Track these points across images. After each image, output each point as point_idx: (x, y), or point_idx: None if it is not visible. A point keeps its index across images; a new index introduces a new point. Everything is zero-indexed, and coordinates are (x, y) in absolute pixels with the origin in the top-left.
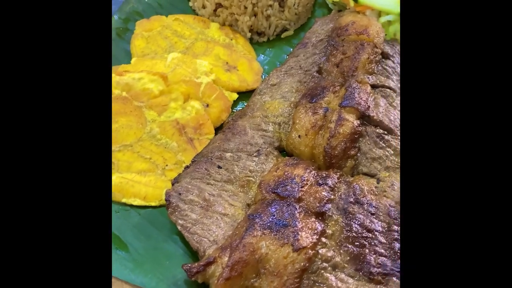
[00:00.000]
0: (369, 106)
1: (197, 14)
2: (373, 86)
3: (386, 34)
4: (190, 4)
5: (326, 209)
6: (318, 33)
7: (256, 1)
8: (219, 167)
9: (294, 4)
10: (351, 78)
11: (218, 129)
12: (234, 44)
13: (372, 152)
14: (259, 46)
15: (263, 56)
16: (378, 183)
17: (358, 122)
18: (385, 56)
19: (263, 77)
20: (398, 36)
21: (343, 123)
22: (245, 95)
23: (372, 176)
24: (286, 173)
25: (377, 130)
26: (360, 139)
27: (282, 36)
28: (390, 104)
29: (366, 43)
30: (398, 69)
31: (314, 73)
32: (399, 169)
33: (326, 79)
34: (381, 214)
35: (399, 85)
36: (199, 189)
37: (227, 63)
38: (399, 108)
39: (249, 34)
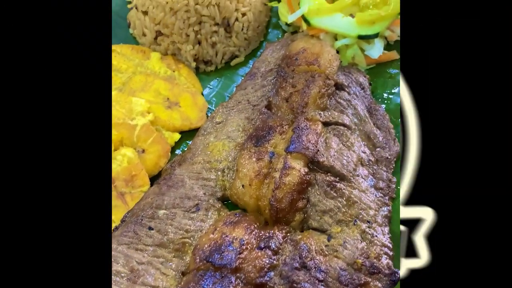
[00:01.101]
0: (318, 150)
1: (138, 43)
2: (325, 124)
3: (341, 61)
4: (131, 31)
5: (267, 279)
6: (267, 61)
7: (198, 28)
8: (151, 228)
9: (242, 29)
10: (301, 115)
11: (156, 177)
12: (176, 77)
13: (322, 203)
14: (207, 76)
15: (209, 88)
16: (329, 240)
17: (306, 170)
18: (339, 87)
19: (210, 112)
20: (357, 60)
21: (289, 172)
22: (188, 134)
23: (322, 231)
24: (223, 236)
25: (328, 178)
26: (309, 188)
27: (232, 63)
28: (344, 143)
29: (317, 74)
30: (355, 101)
31: (263, 109)
32: (352, 222)
33: (275, 116)
34: (330, 280)
35: (355, 119)
36: (126, 257)
37: (168, 99)
38: (354, 148)
39: (193, 64)
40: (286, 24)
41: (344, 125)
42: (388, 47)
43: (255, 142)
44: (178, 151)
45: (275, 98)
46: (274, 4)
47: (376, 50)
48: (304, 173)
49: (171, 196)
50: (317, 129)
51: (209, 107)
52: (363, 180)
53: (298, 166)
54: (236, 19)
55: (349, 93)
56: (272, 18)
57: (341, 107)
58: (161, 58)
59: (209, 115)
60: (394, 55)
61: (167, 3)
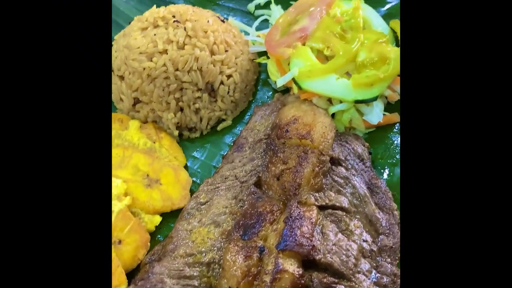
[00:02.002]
0: (314, 245)
1: (116, 109)
2: (321, 208)
3: (337, 130)
4: None
5: None
6: (256, 129)
7: (180, 95)
8: None
9: (228, 92)
10: (294, 198)
11: (134, 272)
12: (157, 149)
13: None
14: (191, 143)
15: (192, 160)
16: None
17: (301, 271)
18: (335, 161)
19: (195, 187)
20: (354, 124)
21: (281, 276)
22: (171, 214)
23: None
24: None
25: (325, 279)
26: None
27: (219, 128)
28: (343, 232)
29: (310, 150)
30: (353, 178)
31: (252, 187)
32: None
33: (265, 196)
34: None
35: (354, 200)
36: None
37: (147, 175)
38: (354, 237)
39: (176, 132)
40: (276, 82)
41: (342, 208)
42: (388, 107)
43: (243, 233)
44: (159, 237)
45: (265, 174)
46: (262, 60)
47: (375, 116)
48: (298, 275)
49: None
50: (312, 217)
51: (194, 180)
52: (364, 277)
53: (292, 268)
54: (221, 83)
55: (346, 168)
56: (262, 73)
57: (338, 186)
58: (140, 127)
59: (194, 191)
60: (396, 117)
61: (144, 69)
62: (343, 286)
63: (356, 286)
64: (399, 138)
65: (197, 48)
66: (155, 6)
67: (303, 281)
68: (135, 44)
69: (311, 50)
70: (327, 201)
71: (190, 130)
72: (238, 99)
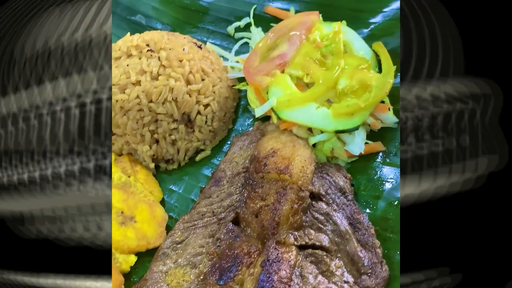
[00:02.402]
0: None
1: None
2: (301, 247)
3: (317, 161)
4: None
5: None
6: (235, 162)
7: (155, 127)
8: None
9: (206, 122)
10: (272, 237)
11: None
12: (132, 183)
13: None
14: (168, 175)
15: (169, 194)
16: None
17: None
18: (315, 196)
19: (172, 222)
20: (336, 153)
21: None
22: (146, 253)
23: None
24: None
25: None
26: None
27: (197, 159)
28: (323, 273)
29: (289, 186)
30: (334, 214)
31: (230, 225)
32: None
33: (243, 236)
34: None
35: (336, 238)
36: None
37: (122, 212)
38: (335, 278)
39: (152, 165)
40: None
41: (322, 248)
42: (372, 135)
43: (219, 277)
44: (135, 278)
45: (243, 211)
46: (242, 86)
47: (356, 146)
48: None
49: None
50: (291, 259)
51: (171, 215)
52: None
53: None
54: (198, 113)
55: (327, 203)
56: (242, 99)
57: (319, 223)
58: (115, 159)
59: (170, 227)
60: (379, 146)
61: (116, 101)
62: None
63: None
64: (382, 168)
65: (171, 79)
66: (129, 33)
67: None
68: None
69: (291, 77)
70: (306, 240)
71: (167, 162)
72: (216, 128)
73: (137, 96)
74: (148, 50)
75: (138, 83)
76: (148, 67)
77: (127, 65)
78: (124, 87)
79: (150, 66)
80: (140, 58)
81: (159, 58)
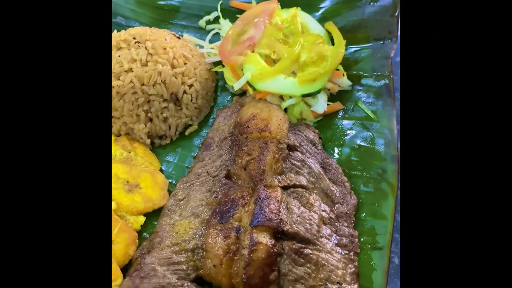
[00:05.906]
0: (281, 219)
1: None
2: (284, 188)
3: (290, 121)
4: None
5: None
6: (221, 130)
7: (148, 107)
8: None
9: (191, 100)
10: (260, 183)
11: (127, 267)
12: (133, 157)
13: (293, 272)
14: (163, 149)
15: (166, 164)
16: None
17: (273, 242)
18: (291, 148)
19: (172, 188)
20: (305, 115)
21: (257, 248)
22: (153, 214)
23: None
24: None
25: (294, 246)
26: (279, 258)
27: (186, 133)
28: (304, 205)
29: (269, 140)
30: (308, 160)
31: (223, 179)
32: (323, 286)
33: (235, 186)
34: None
35: (311, 178)
36: None
37: (127, 182)
38: (314, 208)
39: (148, 141)
40: (233, 87)
41: (302, 186)
42: (331, 97)
43: (220, 218)
44: (145, 234)
45: (233, 167)
46: (218, 69)
47: (320, 106)
48: (271, 245)
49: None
50: (277, 196)
51: (170, 181)
52: (327, 240)
53: (265, 240)
54: (184, 92)
55: (302, 153)
56: (220, 80)
57: (296, 168)
58: (115, 140)
59: (171, 191)
60: (339, 105)
61: (113, 87)
62: (309, 250)
63: (321, 248)
64: (343, 122)
65: (159, 64)
66: (116, 30)
67: (276, 250)
68: None
69: (260, 55)
70: (288, 182)
71: (161, 138)
72: (201, 105)
73: (131, 81)
74: (135, 42)
75: (130, 70)
76: (137, 56)
77: (119, 56)
78: (118, 74)
79: (139, 54)
80: (129, 49)
81: (146, 47)
